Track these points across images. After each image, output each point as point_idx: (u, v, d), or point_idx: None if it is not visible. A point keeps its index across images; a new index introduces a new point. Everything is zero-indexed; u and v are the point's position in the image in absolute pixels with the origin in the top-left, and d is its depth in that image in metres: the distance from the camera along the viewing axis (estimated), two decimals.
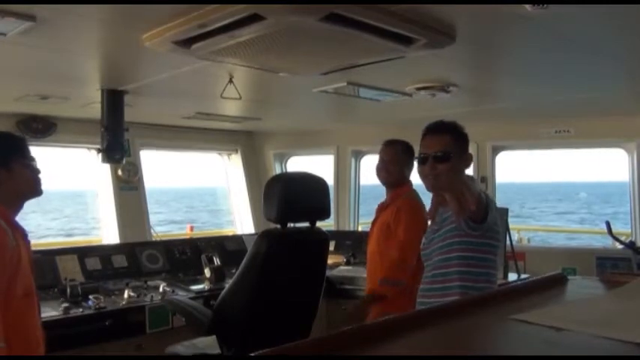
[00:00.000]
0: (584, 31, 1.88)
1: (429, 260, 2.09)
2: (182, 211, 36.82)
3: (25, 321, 1.94)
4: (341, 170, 4.88)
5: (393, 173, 2.91)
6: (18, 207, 2.00)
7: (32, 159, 2.00)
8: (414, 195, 2.87)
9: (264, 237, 2.49)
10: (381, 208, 2.96)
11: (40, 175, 2.03)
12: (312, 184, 2.63)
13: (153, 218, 4.45)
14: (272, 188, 2.48)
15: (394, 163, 2.91)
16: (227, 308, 2.51)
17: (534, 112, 3.72)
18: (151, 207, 4.45)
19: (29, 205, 2.07)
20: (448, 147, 2.00)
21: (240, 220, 5.09)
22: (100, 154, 3.26)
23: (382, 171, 2.95)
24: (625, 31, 1.89)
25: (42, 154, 3.79)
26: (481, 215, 1.76)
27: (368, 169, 4.74)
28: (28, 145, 2.02)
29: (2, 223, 1.88)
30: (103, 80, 2.80)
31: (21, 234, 1.97)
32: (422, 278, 2.13)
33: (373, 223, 3.00)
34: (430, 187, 2.03)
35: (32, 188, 2.00)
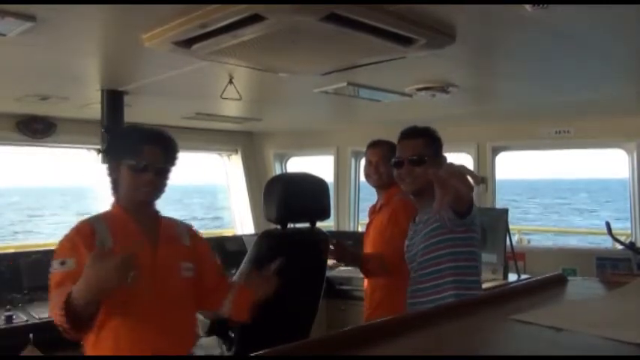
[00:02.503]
0: (584, 31, 1.88)
1: (413, 262, 2.11)
2: (191, 208, 36.83)
3: (109, 328, 1.80)
4: (341, 170, 4.88)
5: (383, 174, 2.82)
6: (138, 209, 1.89)
7: (139, 161, 1.83)
8: (407, 195, 2.83)
9: (264, 237, 2.49)
10: (375, 211, 2.88)
11: (149, 177, 1.83)
12: (312, 184, 2.63)
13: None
14: (272, 189, 2.48)
15: (384, 163, 2.80)
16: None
17: (534, 112, 3.72)
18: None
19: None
20: (422, 150, 2.11)
21: (241, 220, 5.09)
22: (100, 155, 3.26)
23: (373, 173, 2.86)
24: (625, 31, 1.89)
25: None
26: (468, 209, 1.80)
27: None
28: (141, 143, 1.86)
29: (102, 225, 1.82)
30: (103, 80, 2.80)
31: (147, 236, 1.87)
32: (410, 279, 2.15)
33: (368, 226, 2.91)
34: (410, 190, 2.15)
35: (134, 194, 1.85)
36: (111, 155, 1.91)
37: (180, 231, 2.02)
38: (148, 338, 1.81)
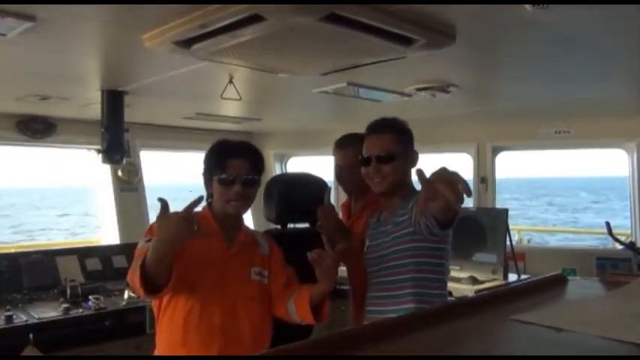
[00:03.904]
0: (584, 31, 1.88)
1: (375, 266, 1.98)
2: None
3: (169, 315, 1.88)
4: None
5: (357, 181, 2.24)
6: (226, 218, 1.95)
7: (226, 174, 1.90)
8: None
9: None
10: (352, 218, 2.45)
11: (237, 189, 1.89)
12: (311, 184, 2.63)
13: None
14: (272, 189, 2.48)
15: (355, 167, 2.22)
16: None
17: (534, 112, 3.72)
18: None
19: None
20: (391, 146, 1.94)
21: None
22: (101, 155, 3.26)
23: (345, 182, 2.45)
24: (625, 31, 1.89)
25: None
26: (452, 220, 1.63)
27: None
28: (226, 156, 1.94)
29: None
30: (103, 81, 2.80)
31: (224, 235, 1.94)
32: (369, 285, 2.03)
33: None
34: (379, 190, 1.97)
35: (224, 207, 1.92)
36: (204, 170, 2.01)
37: (260, 240, 2.09)
38: (214, 329, 1.86)
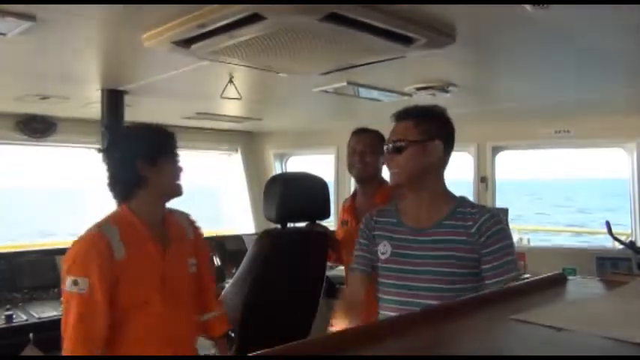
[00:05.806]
0: (584, 31, 1.88)
1: (411, 281, 1.74)
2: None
3: (124, 334, 1.76)
4: (341, 170, 4.87)
5: (370, 165, 2.49)
6: (156, 210, 1.88)
7: (177, 155, 1.91)
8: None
9: (263, 237, 2.49)
10: (356, 213, 2.50)
11: (182, 174, 1.90)
12: (311, 184, 2.63)
13: None
14: (272, 188, 2.48)
15: (371, 153, 2.49)
16: (226, 308, 2.51)
17: (534, 112, 3.72)
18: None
19: None
20: (407, 134, 1.74)
21: (241, 220, 5.08)
22: (101, 155, 3.26)
23: (357, 163, 2.51)
24: (625, 31, 1.89)
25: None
26: None
27: None
28: (175, 142, 1.91)
29: (114, 232, 1.74)
30: (103, 80, 2.80)
31: (157, 240, 1.83)
32: (394, 299, 1.79)
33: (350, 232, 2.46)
34: (391, 182, 1.81)
35: (173, 188, 1.88)
36: (144, 155, 1.82)
37: (185, 224, 2.02)
38: (171, 340, 1.83)
